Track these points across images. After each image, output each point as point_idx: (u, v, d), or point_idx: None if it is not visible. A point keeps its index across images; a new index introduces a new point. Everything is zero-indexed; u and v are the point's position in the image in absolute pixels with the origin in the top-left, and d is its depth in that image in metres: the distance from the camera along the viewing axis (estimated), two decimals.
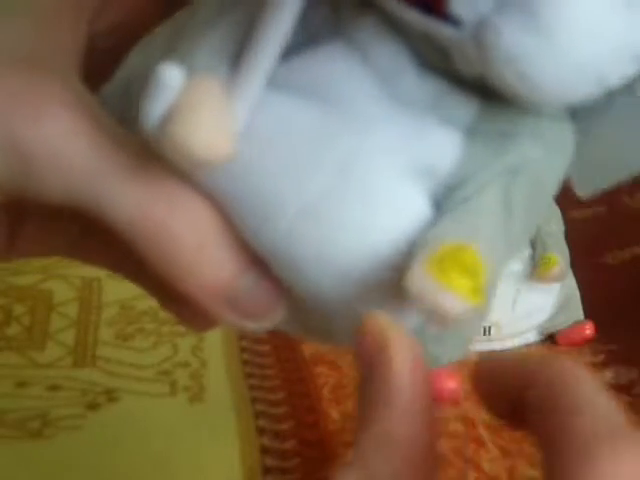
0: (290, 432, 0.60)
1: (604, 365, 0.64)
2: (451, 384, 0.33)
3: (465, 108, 0.25)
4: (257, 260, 0.26)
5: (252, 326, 0.27)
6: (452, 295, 0.22)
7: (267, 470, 0.56)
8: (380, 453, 0.21)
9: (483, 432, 0.57)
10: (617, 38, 0.23)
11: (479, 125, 0.25)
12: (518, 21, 0.22)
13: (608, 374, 0.63)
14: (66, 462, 0.55)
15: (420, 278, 0.23)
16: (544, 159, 0.26)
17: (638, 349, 0.65)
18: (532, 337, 0.67)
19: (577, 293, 0.68)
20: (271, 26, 0.24)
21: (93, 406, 0.60)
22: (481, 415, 0.58)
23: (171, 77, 0.23)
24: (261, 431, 0.59)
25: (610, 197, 0.83)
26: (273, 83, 0.25)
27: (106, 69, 0.28)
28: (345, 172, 0.24)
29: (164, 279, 0.26)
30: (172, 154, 0.23)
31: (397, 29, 0.24)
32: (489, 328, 0.64)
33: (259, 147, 0.25)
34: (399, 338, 0.23)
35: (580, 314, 0.68)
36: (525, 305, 0.65)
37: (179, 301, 0.28)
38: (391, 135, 0.25)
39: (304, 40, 0.25)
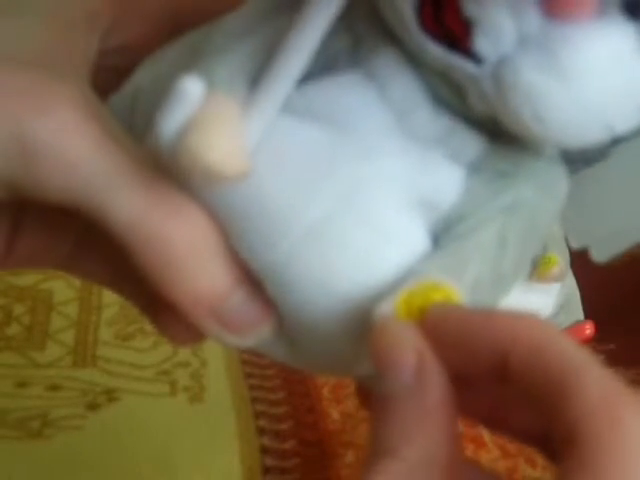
0: (290, 432, 0.60)
1: (604, 365, 0.64)
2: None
3: (472, 147, 0.26)
4: (250, 279, 0.26)
5: (234, 341, 0.27)
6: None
7: (267, 470, 0.56)
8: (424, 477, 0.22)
9: (483, 432, 0.57)
10: (626, 85, 0.23)
11: (483, 164, 0.26)
12: (537, 61, 0.23)
13: None
14: (66, 462, 0.55)
15: (386, 313, 0.23)
16: (538, 200, 0.26)
17: (638, 349, 0.65)
18: None
19: (577, 293, 0.68)
20: (293, 51, 0.24)
21: (93, 406, 0.60)
22: None
23: (192, 89, 0.23)
24: (261, 431, 0.59)
25: None
26: (288, 107, 0.25)
27: (112, 88, 0.28)
28: (349, 199, 0.25)
29: (155, 286, 0.26)
30: (187, 166, 0.23)
31: (415, 64, 0.25)
32: None
33: (268, 168, 0.25)
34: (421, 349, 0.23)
35: (580, 314, 0.68)
36: (525, 305, 0.65)
37: (167, 315, 0.29)
38: (398, 167, 0.25)
39: (321, 67, 0.26)
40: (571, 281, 0.67)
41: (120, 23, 0.29)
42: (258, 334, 0.27)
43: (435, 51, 0.24)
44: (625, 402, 0.21)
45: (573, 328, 0.67)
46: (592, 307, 0.67)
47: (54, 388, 0.62)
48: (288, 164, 0.25)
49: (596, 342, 0.66)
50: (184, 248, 0.25)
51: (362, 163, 0.25)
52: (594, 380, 0.22)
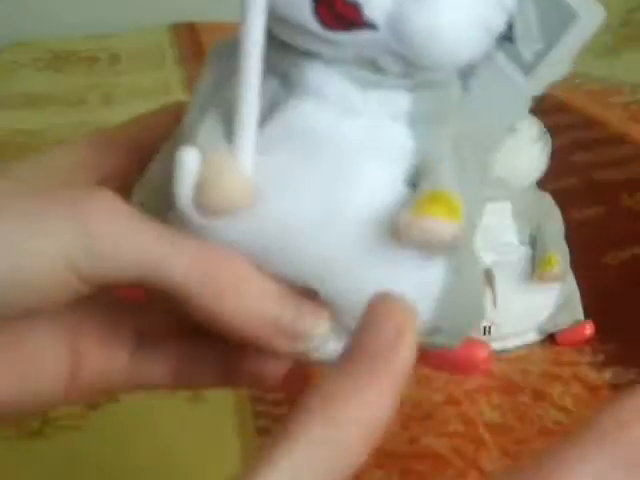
0: None
1: (604, 365, 0.64)
2: (482, 353, 0.38)
3: (402, 103, 0.32)
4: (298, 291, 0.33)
5: (301, 347, 0.32)
6: (433, 219, 0.29)
7: None
8: None
9: (483, 432, 0.57)
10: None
11: (416, 112, 0.32)
12: (415, 2, 0.29)
13: (608, 374, 0.63)
14: (66, 462, 0.55)
15: (406, 217, 0.30)
16: (479, 126, 0.34)
17: (638, 349, 0.65)
18: (532, 337, 0.67)
19: (577, 293, 0.68)
20: (245, 96, 0.31)
21: (93, 406, 0.60)
22: (481, 415, 0.58)
23: (189, 157, 0.31)
24: (261, 431, 0.59)
25: (610, 197, 0.83)
26: (258, 150, 0.32)
27: None
28: (333, 188, 0.32)
29: (223, 328, 0.32)
30: (207, 208, 0.31)
31: (335, 62, 0.31)
32: (489, 327, 0.64)
33: (267, 194, 0.32)
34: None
35: (580, 314, 0.68)
36: (525, 305, 0.65)
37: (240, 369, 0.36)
38: (355, 139, 0.32)
39: (267, 112, 0.32)
40: (571, 281, 0.67)
41: (95, 162, 0.37)
42: (319, 334, 0.33)
43: (344, 39, 0.30)
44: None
45: (573, 328, 0.67)
46: (592, 307, 0.67)
47: None
48: (280, 185, 0.32)
49: (596, 342, 0.66)
50: (234, 279, 0.31)
51: (332, 156, 0.32)
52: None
